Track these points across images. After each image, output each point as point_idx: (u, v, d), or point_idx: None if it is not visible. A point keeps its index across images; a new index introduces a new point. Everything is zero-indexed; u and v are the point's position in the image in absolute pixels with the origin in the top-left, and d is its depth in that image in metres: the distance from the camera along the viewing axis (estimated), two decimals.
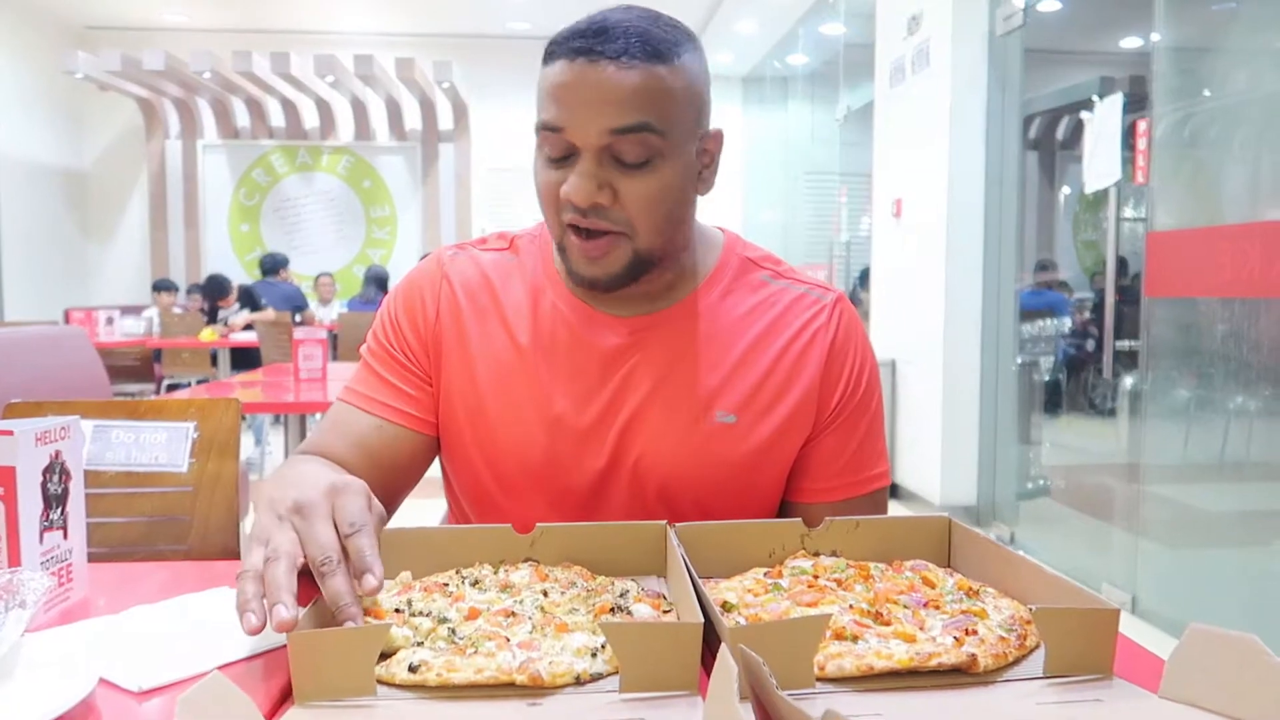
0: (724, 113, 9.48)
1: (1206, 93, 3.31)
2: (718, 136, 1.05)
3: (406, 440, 1.09)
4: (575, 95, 0.93)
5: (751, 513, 1.07)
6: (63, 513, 0.90)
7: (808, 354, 1.08)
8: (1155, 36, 3.30)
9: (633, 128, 0.93)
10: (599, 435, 1.06)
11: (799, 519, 0.94)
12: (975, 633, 0.70)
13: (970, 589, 0.82)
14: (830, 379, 1.09)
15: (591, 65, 0.92)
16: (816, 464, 1.10)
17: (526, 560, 0.91)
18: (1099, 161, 3.52)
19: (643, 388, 1.06)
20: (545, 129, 0.96)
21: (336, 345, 6.21)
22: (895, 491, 4.89)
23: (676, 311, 1.08)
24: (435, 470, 1.17)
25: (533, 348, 1.08)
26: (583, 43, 0.93)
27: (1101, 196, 3.64)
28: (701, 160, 1.03)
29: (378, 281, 8.07)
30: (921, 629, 0.72)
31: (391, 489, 1.08)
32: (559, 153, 0.97)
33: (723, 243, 1.15)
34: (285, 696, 0.67)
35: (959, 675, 0.66)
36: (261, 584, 0.70)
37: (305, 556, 0.72)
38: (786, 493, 1.13)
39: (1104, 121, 3.51)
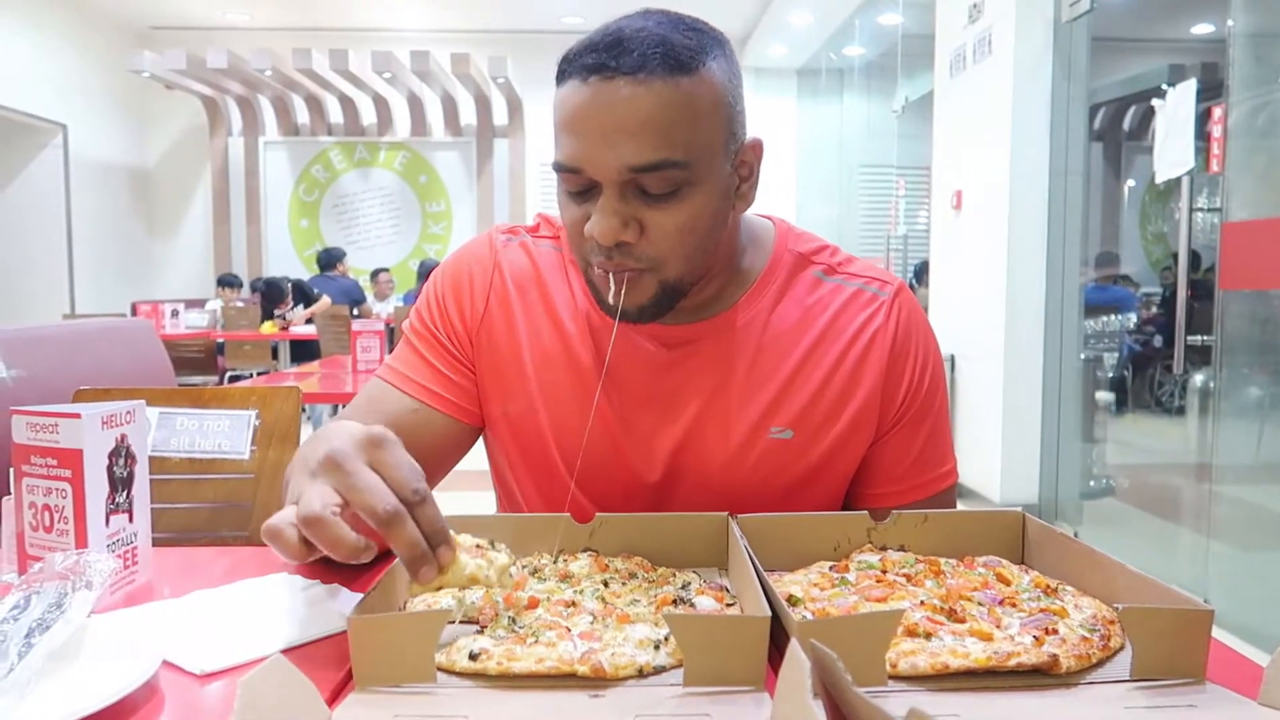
0: (778, 106, 9.42)
1: None
2: (756, 147, 0.95)
3: (442, 426, 1.04)
4: (590, 126, 0.85)
5: None
6: (128, 496, 0.90)
7: (867, 358, 1.02)
8: (1231, 22, 3.19)
9: (654, 165, 0.85)
10: (646, 450, 1.01)
11: (865, 511, 0.92)
12: (1056, 632, 0.67)
13: (1048, 587, 0.78)
14: (893, 382, 1.03)
15: (606, 84, 0.84)
16: (880, 468, 1.06)
17: (585, 550, 0.89)
18: (1171, 150, 3.41)
19: (693, 404, 1.01)
20: (562, 170, 0.89)
21: (393, 339, 6.29)
22: None
23: (725, 321, 1.02)
24: (484, 462, 1.14)
25: (581, 350, 1.03)
26: (595, 58, 0.85)
27: (1172, 187, 3.52)
28: (740, 173, 0.95)
29: (429, 276, 8.12)
30: (998, 627, 0.69)
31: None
32: (579, 187, 0.90)
33: (773, 239, 1.07)
34: (346, 681, 0.66)
35: (1039, 676, 0.63)
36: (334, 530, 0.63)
37: (358, 508, 0.65)
38: (848, 498, 1.08)
39: (1176, 109, 3.39)
